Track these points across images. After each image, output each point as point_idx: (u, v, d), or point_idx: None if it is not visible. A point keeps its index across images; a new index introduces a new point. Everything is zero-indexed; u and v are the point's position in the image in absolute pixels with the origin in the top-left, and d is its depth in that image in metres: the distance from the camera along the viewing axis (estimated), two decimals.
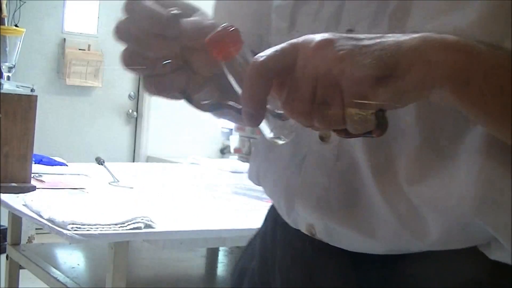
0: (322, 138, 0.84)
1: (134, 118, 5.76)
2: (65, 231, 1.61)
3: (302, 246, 0.90)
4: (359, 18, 0.79)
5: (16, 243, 2.42)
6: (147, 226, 1.74)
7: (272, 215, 0.98)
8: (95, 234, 1.64)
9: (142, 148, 5.72)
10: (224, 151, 5.94)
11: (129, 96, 5.73)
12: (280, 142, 0.70)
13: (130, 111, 5.72)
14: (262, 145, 0.98)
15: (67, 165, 2.65)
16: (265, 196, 2.35)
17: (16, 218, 2.37)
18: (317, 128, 0.66)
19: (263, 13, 0.95)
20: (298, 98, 0.64)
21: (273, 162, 0.93)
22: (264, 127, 0.69)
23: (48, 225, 1.70)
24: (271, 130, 0.69)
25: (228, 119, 1.02)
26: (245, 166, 3.32)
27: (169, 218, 1.89)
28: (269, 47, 0.66)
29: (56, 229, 1.65)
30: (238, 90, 0.68)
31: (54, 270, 2.17)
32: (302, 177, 0.86)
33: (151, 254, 2.42)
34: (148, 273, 2.33)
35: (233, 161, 3.67)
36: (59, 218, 1.68)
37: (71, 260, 2.33)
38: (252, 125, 0.67)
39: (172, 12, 0.72)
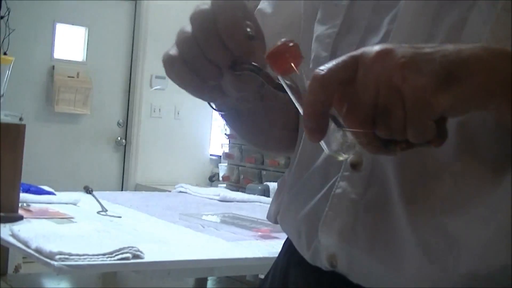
0: (353, 166, 0.82)
1: (123, 146, 5.76)
2: (52, 262, 1.60)
3: (318, 284, 0.87)
4: None
5: (3, 273, 2.40)
6: (135, 256, 1.74)
7: (286, 254, 0.97)
8: (82, 265, 1.63)
9: (131, 176, 5.71)
10: (213, 178, 5.94)
11: (118, 123, 5.73)
12: (341, 158, 0.69)
13: (119, 138, 5.73)
14: (289, 179, 0.96)
15: (55, 194, 2.64)
16: (253, 225, 2.36)
17: (3, 248, 2.35)
18: (374, 145, 0.65)
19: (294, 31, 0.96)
20: (359, 107, 0.64)
21: (300, 193, 0.92)
22: (324, 142, 0.68)
23: (36, 256, 1.69)
24: (331, 145, 0.68)
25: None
26: (233, 194, 3.33)
27: (157, 248, 1.88)
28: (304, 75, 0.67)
29: (44, 260, 1.64)
30: (298, 105, 0.69)
31: None
32: (329, 205, 0.85)
33: (139, 283, 2.41)
34: None
35: (221, 190, 3.67)
36: (46, 248, 1.67)
37: None
38: (314, 140, 0.66)
39: (250, 33, 0.73)
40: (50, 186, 2.72)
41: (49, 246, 1.67)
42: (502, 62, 0.63)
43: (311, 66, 0.90)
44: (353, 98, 0.64)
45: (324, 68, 0.65)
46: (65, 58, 5.40)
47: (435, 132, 0.63)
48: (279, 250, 1.01)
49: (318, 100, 0.64)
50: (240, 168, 5.38)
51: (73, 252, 1.66)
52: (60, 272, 1.60)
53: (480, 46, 0.64)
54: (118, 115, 5.73)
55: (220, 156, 5.72)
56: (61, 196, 2.62)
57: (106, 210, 2.38)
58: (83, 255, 1.67)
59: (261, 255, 1.91)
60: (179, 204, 2.84)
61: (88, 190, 2.55)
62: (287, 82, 0.69)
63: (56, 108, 5.28)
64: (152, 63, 5.62)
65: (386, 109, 0.63)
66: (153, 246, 1.88)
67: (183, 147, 5.91)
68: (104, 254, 1.71)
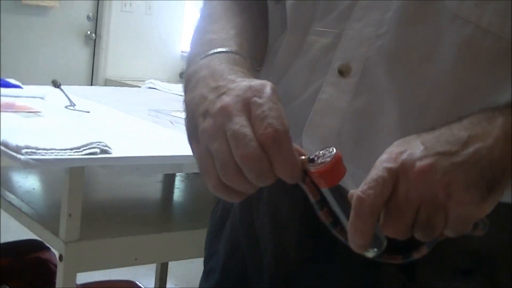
0: (341, 73, 0.83)
1: (93, 40, 5.66)
2: (19, 156, 1.59)
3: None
4: None
5: None
6: (103, 151, 1.72)
7: None
8: (50, 160, 1.62)
9: (101, 71, 5.64)
10: (183, 75, 5.88)
11: (88, 17, 5.62)
12: (371, 254, 0.70)
13: (89, 32, 5.62)
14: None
15: (22, 88, 2.59)
16: None
17: None
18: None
19: None
20: (401, 221, 0.66)
21: (285, 84, 0.90)
22: None
23: (2, 149, 1.67)
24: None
25: None
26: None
27: (125, 144, 1.87)
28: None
29: (10, 153, 1.62)
30: (341, 215, 0.70)
31: (8, 194, 2.15)
32: (314, 109, 0.85)
33: (107, 179, 2.41)
34: (104, 198, 2.32)
35: None
36: (13, 142, 1.64)
37: (27, 184, 2.31)
38: (359, 251, 0.69)
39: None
40: (17, 80, 2.67)
41: (16, 140, 1.65)
42: None
43: None
44: (394, 212, 0.67)
45: (367, 192, 0.66)
46: None
47: (481, 228, 0.69)
48: None
49: (367, 224, 0.66)
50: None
51: (40, 146, 1.64)
52: (27, 166, 1.59)
53: (501, 133, 0.67)
54: (88, 9, 5.61)
55: None
56: (28, 89, 2.58)
57: (75, 105, 2.35)
58: (50, 149, 1.65)
59: None
60: (149, 100, 2.81)
61: (56, 84, 2.50)
62: (331, 194, 0.71)
63: (23, 0, 5.15)
64: None
65: (427, 222, 0.66)
66: (121, 141, 1.86)
67: (154, 43, 5.83)
68: (71, 149, 1.69)
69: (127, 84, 5.07)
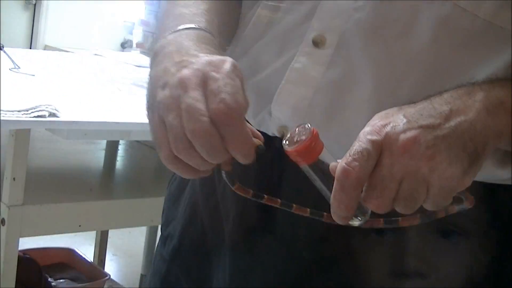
0: (316, 44, 0.82)
1: (33, 5, 5.53)
2: None
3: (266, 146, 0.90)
4: None
5: None
6: (52, 114, 1.69)
7: None
8: None
9: (40, 37, 5.52)
10: (125, 45, 5.81)
11: None
12: (356, 223, 0.70)
13: None
14: (239, 48, 0.94)
15: None
16: None
17: None
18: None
19: None
20: (384, 194, 0.66)
21: (251, 60, 0.90)
22: None
23: None
24: None
25: None
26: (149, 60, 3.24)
27: (73, 108, 1.84)
28: None
29: None
30: (324, 191, 0.70)
31: None
32: (286, 78, 0.84)
33: (53, 143, 2.37)
34: (47, 163, 2.28)
35: (137, 55, 3.59)
36: None
37: None
38: (341, 223, 0.69)
39: (260, 147, 0.71)
40: None
41: None
42: (504, 119, 0.69)
43: None
44: (376, 183, 0.67)
45: (352, 164, 0.66)
46: None
47: (460, 200, 0.69)
48: None
49: (351, 197, 0.67)
50: (155, 36, 5.27)
51: None
52: None
53: (482, 108, 0.69)
54: None
55: (134, 22, 5.58)
56: None
57: (19, 68, 2.30)
58: None
59: None
60: (95, 67, 2.77)
61: None
62: (311, 170, 0.70)
63: None
64: None
65: (410, 195, 0.66)
66: (69, 106, 1.83)
67: (95, 11, 5.73)
68: (19, 111, 1.66)
69: (67, 52, 4.97)
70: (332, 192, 0.67)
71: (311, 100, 0.83)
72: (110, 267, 3.00)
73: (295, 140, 0.69)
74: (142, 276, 2.90)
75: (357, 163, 0.66)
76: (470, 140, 0.67)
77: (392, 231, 0.79)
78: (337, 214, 0.68)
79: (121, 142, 2.59)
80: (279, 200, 0.75)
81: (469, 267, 0.84)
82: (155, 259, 1.08)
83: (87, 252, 2.79)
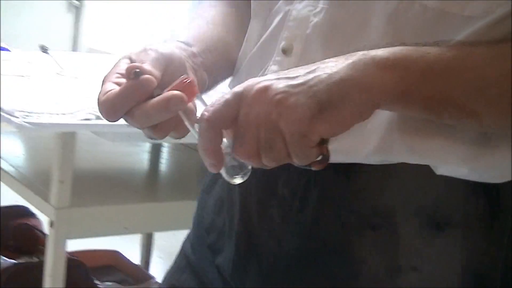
0: (284, 51, 0.86)
1: (76, 7, 5.59)
2: (14, 119, 1.56)
3: None
4: None
5: None
6: (98, 117, 1.69)
7: None
8: (44, 123, 1.59)
9: (83, 40, 5.57)
10: None
11: None
12: (237, 181, 0.75)
13: None
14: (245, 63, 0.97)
15: (10, 51, 2.55)
16: None
17: None
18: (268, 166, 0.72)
19: None
20: (245, 143, 0.70)
21: (240, 77, 0.95)
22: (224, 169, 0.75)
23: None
24: (228, 171, 0.75)
25: None
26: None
27: None
28: None
29: (5, 117, 1.59)
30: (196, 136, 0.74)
31: None
32: None
33: (97, 147, 2.38)
34: (94, 166, 2.30)
35: None
36: (6, 105, 1.61)
37: (15, 149, 2.28)
38: (215, 172, 0.73)
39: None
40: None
41: (9, 103, 1.62)
42: (371, 76, 0.69)
43: None
44: (238, 134, 0.71)
45: (210, 108, 0.71)
46: None
47: (317, 156, 0.70)
48: None
49: (207, 139, 0.71)
50: None
51: (34, 110, 1.62)
52: (22, 129, 1.56)
53: (350, 64, 0.70)
54: None
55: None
56: (16, 53, 2.54)
57: (64, 70, 2.32)
58: (44, 113, 1.62)
59: None
60: None
61: (44, 49, 2.46)
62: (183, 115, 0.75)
63: None
64: None
65: (268, 144, 0.69)
66: None
67: (140, 15, 5.77)
68: (65, 114, 1.67)
69: (111, 54, 5.01)
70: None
71: None
72: (156, 269, 3.01)
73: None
74: None
75: (211, 108, 0.71)
76: (326, 90, 0.68)
77: (386, 227, 0.82)
78: (206, 161, 0.72)
79: (165, 144, 2.60)
80: None
81: (463, 260, 0.83)
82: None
83: (132, 254, 2.80)
